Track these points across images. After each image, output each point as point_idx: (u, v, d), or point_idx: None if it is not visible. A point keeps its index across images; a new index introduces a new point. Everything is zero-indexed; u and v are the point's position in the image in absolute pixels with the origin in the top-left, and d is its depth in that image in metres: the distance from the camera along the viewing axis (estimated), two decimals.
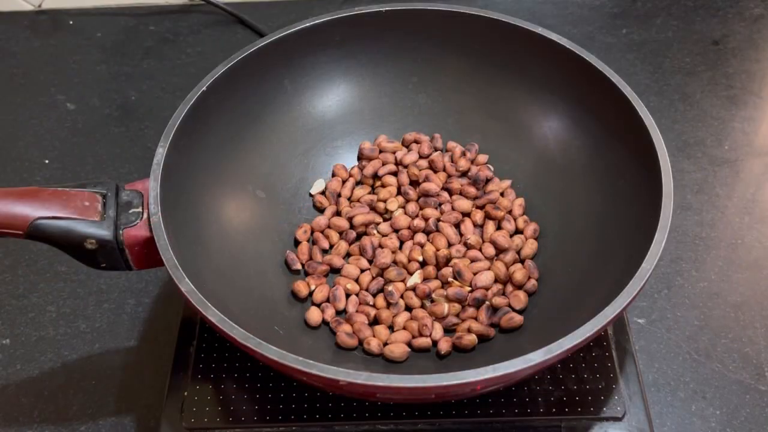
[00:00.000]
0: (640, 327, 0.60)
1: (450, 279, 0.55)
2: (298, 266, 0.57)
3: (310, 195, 0.62)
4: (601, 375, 0.51)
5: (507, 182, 0.61)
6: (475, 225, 0.59)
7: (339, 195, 0.62)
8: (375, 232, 0.59)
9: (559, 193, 0.59)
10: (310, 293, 0.56)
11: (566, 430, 0.49)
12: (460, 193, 0.60)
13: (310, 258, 0.58)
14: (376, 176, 0.62)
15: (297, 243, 0.59)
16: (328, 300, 0.55)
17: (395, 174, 0.62)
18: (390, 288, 0.54)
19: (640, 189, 0.51)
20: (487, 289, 0.55)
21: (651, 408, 0.54)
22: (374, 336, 0.52)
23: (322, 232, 0.60)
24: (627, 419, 0.50)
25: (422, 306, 0.55)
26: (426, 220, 0.59)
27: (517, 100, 0.62)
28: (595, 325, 0.41)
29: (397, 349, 0.51)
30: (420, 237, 0.58)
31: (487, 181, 0.61)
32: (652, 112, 0.52)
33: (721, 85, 0.80)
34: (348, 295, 0.55)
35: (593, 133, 0.58)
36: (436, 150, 0.63)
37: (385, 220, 0.60)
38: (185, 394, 0.51)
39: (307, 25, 0.59)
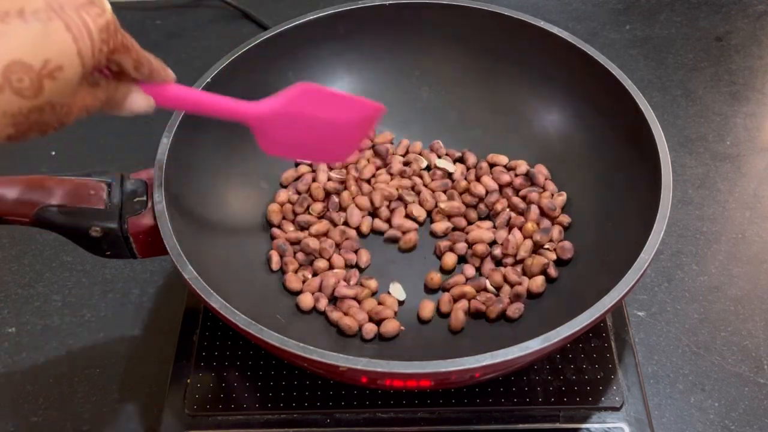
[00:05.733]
0: (640, 320, 0.60)
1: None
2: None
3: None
4: (599, 366, 0.52)
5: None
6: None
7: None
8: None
9: (560, 186, 0.59)
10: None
11: (565, 419, 0.50)
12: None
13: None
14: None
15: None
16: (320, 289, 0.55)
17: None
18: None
19: (640, 181, 0.51)
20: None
21: (650, 399, 0.54)
22: (369, 320, 0.53)
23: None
24: (625, 409, 0.50)
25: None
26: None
27: (518, 94, 0.62)
28: (592, 314, 0.42)
29: (391, 326, 0.52)
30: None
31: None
32: (654, 107, 0.53)
33: (724, 81, 0.80)
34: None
35: (594, 126, 0.58)
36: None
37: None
38: (188, 381, 0.52)
39: (311, 18, 0.60)
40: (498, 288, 0.54)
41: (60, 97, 0.34)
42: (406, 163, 0.63)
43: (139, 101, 0.40)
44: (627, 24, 0.87)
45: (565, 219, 0.57)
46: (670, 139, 0.68)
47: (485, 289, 0.54)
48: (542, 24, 0.59)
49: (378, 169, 0.62)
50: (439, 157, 0.63)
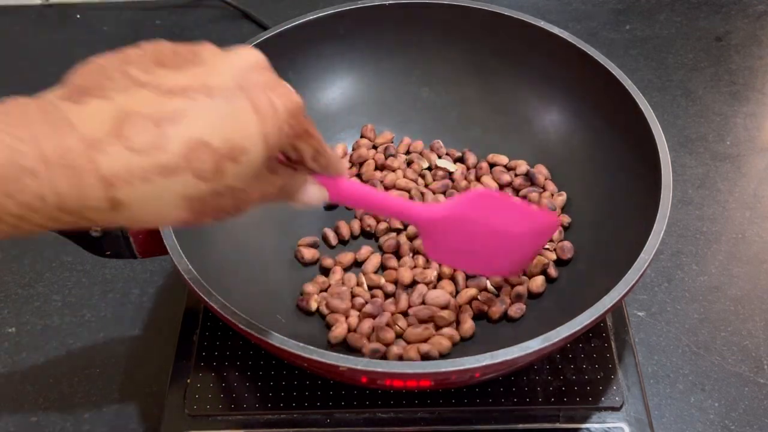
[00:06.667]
0: (640, 320, 0.60)
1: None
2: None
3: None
4: (600, 366, 0.52)
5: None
6: None
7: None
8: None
9: (560, 186, 0.59)
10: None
11: (565, 419, 0.49)
12: None
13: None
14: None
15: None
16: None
17: None
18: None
19: (640, 181, 0.51)
20: None
21: (650, 399, 0.54)
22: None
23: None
24: (625, 409, 0.50)
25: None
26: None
27: (518, 94, 0.62)
28: (592, 314, 0.42)
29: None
30: None
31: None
32: (654, 107, 0.53)
33: (724, 81, 0.80)
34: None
35: (594, 126, 0.58)
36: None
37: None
38: (188, 381, 0.52)
39: (311, 18, 0.60)
40: (498, 288, 0.54)
41: (240, 182, 0.31)
42: (409, 163, 0.63)
43: (314, 193, 0.38)
44: (627, 24, 0.87)
45: (565, 219, 0.57)
46: (670, 139, 0.68)
47: (486, 290, 0.54)
48: (542, 24, 0.59)
49: (378, 168, 0.62)
50: (440, 157, 0.63)
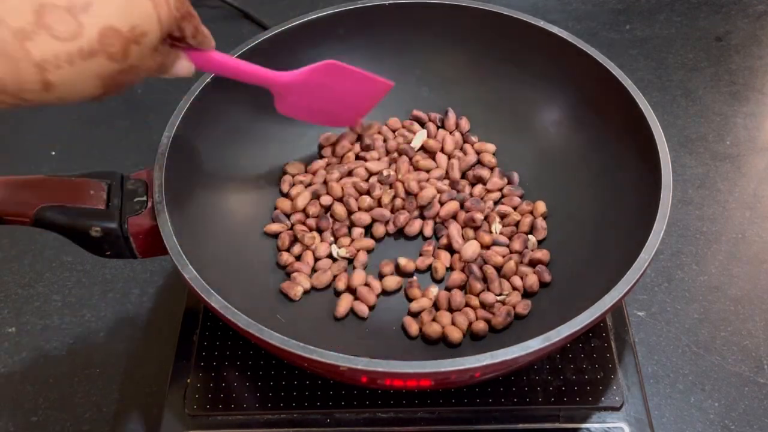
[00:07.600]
0: (640, 320, 0.60)
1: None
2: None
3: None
4: (599, 365, 0.52)
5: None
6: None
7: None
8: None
9: (560, 185, 0.59)
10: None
11: (564, 419, 0.50)
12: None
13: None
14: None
15: None
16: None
17: None
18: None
19: (640, 181, 0.51)
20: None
21: (650, 399, 0.54)
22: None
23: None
24: (625, 409, 0.50)
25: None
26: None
27: (519, 93, 0.62)
28: (592, 314, 0.42)
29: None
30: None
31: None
32: (654, 107, 0.53)
33: (724, 81, 0.80)
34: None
35: (594, 126, 0.58)
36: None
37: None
38: (188, 381, 0.52)
39: (311, 18, 0.60)
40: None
41: (140, 60, 0.36)
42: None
43: (184, 66, 0.43)
44: (627, 24, 0.87)
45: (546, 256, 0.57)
46: (670, 139, 0.68)
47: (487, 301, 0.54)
48: (542, 24, 0.59)
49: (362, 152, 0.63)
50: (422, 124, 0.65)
